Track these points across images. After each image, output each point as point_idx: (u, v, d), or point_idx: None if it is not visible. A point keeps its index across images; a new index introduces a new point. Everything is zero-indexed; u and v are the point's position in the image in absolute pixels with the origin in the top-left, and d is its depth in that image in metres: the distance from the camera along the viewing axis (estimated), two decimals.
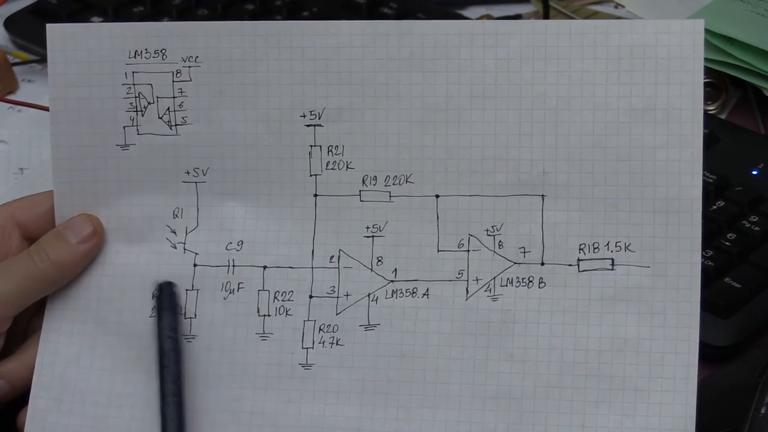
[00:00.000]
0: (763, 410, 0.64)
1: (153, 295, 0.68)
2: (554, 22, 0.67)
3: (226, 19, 1.01)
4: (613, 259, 0.65)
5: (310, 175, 0.68)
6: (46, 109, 0.70)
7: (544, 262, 0.66)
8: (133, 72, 0.69)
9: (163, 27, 0.69)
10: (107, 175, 0.70)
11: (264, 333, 0.68)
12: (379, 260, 0.67)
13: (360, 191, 0.68)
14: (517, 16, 1.08)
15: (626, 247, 0.65)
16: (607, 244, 0.65)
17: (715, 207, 0.82)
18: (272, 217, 0.69)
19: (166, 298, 0.68)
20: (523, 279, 0.66)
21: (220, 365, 0.68)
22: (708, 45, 0.93)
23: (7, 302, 0.67)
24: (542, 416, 0.65)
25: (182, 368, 0.67)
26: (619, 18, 1.07)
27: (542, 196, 0.66)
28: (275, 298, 0.68)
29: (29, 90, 1.01)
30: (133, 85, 0.69)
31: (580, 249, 0.66)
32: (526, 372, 0.65)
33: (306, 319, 0.68)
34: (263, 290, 0.68)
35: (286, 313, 0.68)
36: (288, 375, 0.67)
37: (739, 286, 0.77)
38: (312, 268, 0.68)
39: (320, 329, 0.67)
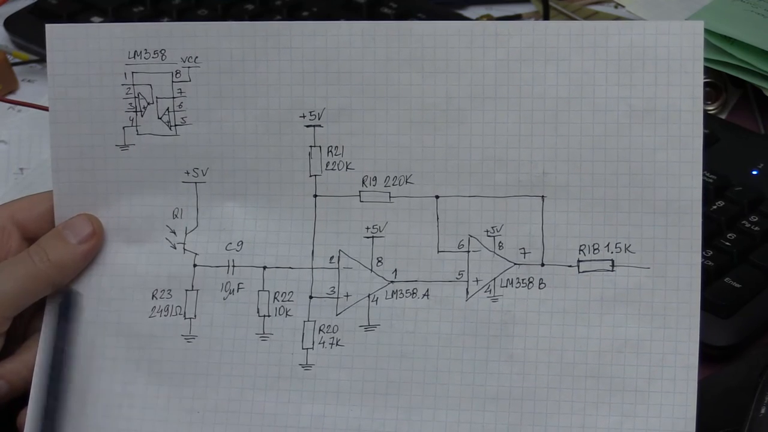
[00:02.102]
0: (763, 410, 0.64)
1: None
2: (554, 23, 0.67)
3: (226, 19, 1.01)
4: (613, 260, 0.65)
5: (310, 176, 0.68)
6: (46, 109, 0.70)
7: (544, 263, 0.66)
8: (133, 72, 0.69)
9: (162, 27, 0.69)
10: (107, 175, 0.69)
11: (264, 333, 0.68)
12: (379, 261, 0.67)
13: (360, 192, 0.68)
14: (517, 16, 1.08)
15: (626, 248, 0.65)
16: (607, 245, 0.65)
17: (715, 207, 0.82)
18: (272, 218, 0.69)
19: None
20: (523, 280, 0.66)
21: (220, 365, 0.68)
22: (708, 45, 0.93)
23: (7, 303, 0.67)
24: (542, 417, 0.65)
25: None
26: (619, 18, 1.07)
27: (542, 197, 0.66)
28: (275, 298, 0.68)
29: (29, 90, 1.01)
30: (133, 85, 0.69)
31: (580, 250, 0.66)
32: (526, 373, 0.65)
33: (306, 319, 0.68)
34: (263, 290, 0.68)
35: (286, 314, 0.68)
36: (288, 375, 0.67)
37: (739, 286, 0.77)
38: (312, 268, 0.68)
39: (320, 330, 0.67)
